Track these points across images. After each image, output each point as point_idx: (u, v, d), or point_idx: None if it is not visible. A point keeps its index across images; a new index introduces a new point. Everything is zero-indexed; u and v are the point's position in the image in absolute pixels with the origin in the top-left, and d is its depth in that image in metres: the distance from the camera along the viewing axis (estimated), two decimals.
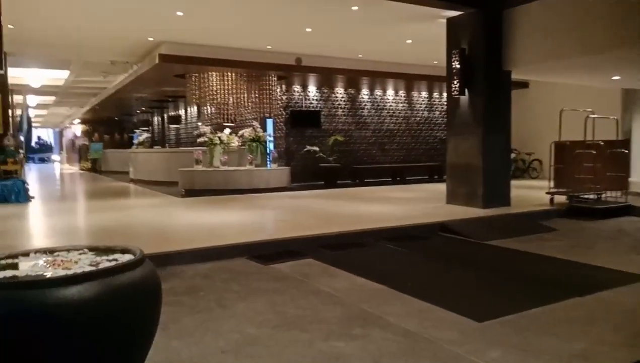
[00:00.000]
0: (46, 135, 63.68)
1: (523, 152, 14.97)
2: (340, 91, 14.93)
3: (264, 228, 6.63)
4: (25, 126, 11.20)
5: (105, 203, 10.44)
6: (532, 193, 10.70)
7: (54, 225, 7.02)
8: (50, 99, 20.33)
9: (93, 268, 2.17)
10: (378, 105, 15.70)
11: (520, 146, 14.82)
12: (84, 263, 2.26)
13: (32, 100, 20.66)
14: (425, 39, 10.36)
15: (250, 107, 13.63)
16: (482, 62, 8.17)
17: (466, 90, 8.37)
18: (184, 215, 8.20)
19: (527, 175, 14.92)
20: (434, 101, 16.59)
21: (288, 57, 11.88)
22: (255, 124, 12.86)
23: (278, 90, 13.91)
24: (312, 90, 14.41)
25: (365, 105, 15.44)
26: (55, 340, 1.96)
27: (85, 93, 18.36)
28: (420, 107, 16.52)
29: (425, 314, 3.60)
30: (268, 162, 13.13)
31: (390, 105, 15.94)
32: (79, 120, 28.07)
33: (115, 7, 8.11)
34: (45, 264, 2.25)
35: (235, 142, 12.92)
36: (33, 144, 68.63)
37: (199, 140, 12.49)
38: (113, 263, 2.27)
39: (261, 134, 12.57)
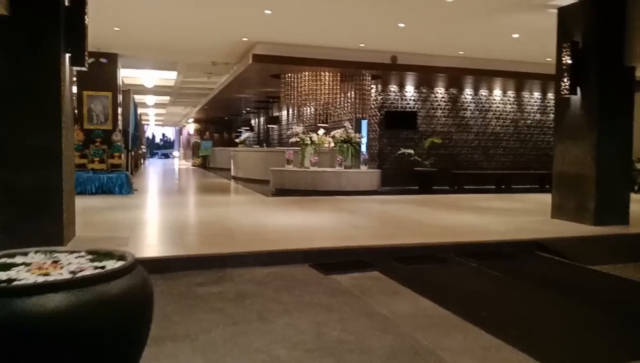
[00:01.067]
0: (171, 133, 69.09)
1: None
2: (440, 91, 14.09)
3: (337, 234, 6.25)
4: (132, 123, 11.91)
5: (196, 198, 10.76)
6: None
7: (134, 219, 7.24)
8: (165, 98, 21.77)
9: (70, 276, 1.95)
10: (483, 106, 14.58)
11: None
12: (67, 269, 2.05)
13: (150, 99, 22.32)
14: (535, 33, 9.30)
15: (344, 108, 13.36)
16: (598, 56, 7.06)
17: (578, 88, 7.30)
18: (263, 215, 8.09)
19: None
20: (548, 102, 15.04)
21: (383, 56, 11.39)
22: (347, 124, 12.55)
23: (373, 90, 13.46)
24: (410, 90, 13.75)
25: (468, 105, 14.42)
26: (19, 356, 1.76)
27: (194, 93, 19.36)
28: (532, 108, 15.07)
29: (491, 353, 2.99)
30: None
31: (497, 107, 14.73)
32: (192, 119, 29.94)
33: (207, 7, 8.23)
34: (25, 268, 2.07)
35: (327, 142, 12.75)
36: (157, 140, 75.12)
37: (291, 140, 12.47)
38: (97, 271, 2.03)
39: (352, 135, 12.22)
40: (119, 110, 11.81)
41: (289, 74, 12.17)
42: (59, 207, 4.95)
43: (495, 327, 3.40)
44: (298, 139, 12.27)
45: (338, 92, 12.46)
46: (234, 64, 12.58)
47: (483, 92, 14.52)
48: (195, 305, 3.82)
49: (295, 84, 12.21)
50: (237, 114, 23.32)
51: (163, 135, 75.03)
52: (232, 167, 17.23)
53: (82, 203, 8.98)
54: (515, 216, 8.20)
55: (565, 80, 7.37)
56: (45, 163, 4.89)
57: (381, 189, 12.30)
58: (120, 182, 10.68)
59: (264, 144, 21.48)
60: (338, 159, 11.94)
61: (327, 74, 12.11)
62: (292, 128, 12.64)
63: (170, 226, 6.76)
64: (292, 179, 11.68)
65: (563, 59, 7.43)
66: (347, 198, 10.42)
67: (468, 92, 14.39)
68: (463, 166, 14.29)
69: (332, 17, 8.83)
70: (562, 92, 7.46)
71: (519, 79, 13.38)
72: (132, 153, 21.34)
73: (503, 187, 14.00)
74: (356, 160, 12.30)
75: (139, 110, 26.23)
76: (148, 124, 41.58)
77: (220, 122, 27.38)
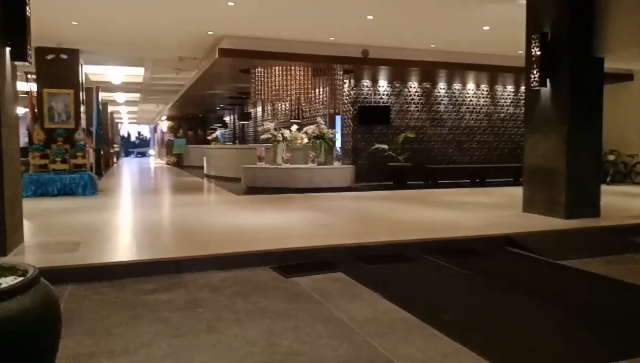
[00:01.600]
0: (147, 131, 68.01)
1: (624, 154, 13.07)
2: (413, 85, 13.95)
3: (304, 234, 6.02)
4: (96, 121, 11.48)
5: (162, 199, 10.43)
6: (631, 202, 9.16)
7: (92, 221, 6.89)
8: (135, 96, 21.22)
9: None
10: (456, 100, 14.49)
11: (621, 147, 12.98)
12: None
13: (120, 97, 21.74)
14: (506, 25, 9.18)
15: (317, 103, 13.12)
16: (568, 48, 6.94)
17: (548, 80, 7.18)
18: (230, 215, 7.82)
19: (629, 180, 13.01)
20: (521, 96, 15.00)
21: (354, 50, 11.16)
22: (320, 120, 12.32)
23: (346, 85, 13.25)
24: (383, 84, 13.58)
25: (441, 100, 14.32)
26: None
27: (165, 90, 18.88)
28: (505, 102, 15.04)
29: (450, 360, 2.80)
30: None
31: (471, 100, 14.66)
32: (165, 117, 29.34)
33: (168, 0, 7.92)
34: None
35: (301, 139, 12.50)
36: (133, 139, 73.87)
37: (262, 137, 12.18)
38: None
39: (325, 130, 11.99)
40: (82, 108, 11.36)
41: (259, 69, 11.87)
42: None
43: (458, 330, 3.22)
44: (270, 136, 12.00)
45: (310, 87, 12.20)
46: (201, 59, 12.23)
47: (456, 85, 14.43)
48: (140, 315, 3.55)
49: (265, 79, 11.91)
50: (211, 110, 22.89)
51: (139, 133, 73.84)
52: (204, 165, 16.89)
53: (41, 205, 8.65)
54: (487, 211, 8.09)
55: (534, 72, 7.26)
56: None
57: (355, 185, 12.12)
58: (84, 183, 10.29)
59: (237, 141, 21.10)
60: (311, 155, 11.70)
61: (297, 68, 11.84)
62: (263, 124, 12.34)
63: (128, 229, 6.45)
64: (263, 177, 11.41)
65: (532, 50, 7.31)
66: (320, 196, 10.19)
67: (441, 86, 14.28)
68: (437, 161, 14.19)
69: (299, 10, 8.58)
70: (532, 84, 7.34)
71: (491, 72, 13.30)
72: (102, 152, 20.81)
73: (477, 181, 13.97)
74: (329, 157, 12.07)
75: (110, 108, 25.59)
76: (121, 122, 40.68)
77: (194, 119, 26.89)
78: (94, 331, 3.25)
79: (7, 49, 4.86)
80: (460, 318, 3.55)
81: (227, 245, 5.29)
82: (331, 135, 12.21)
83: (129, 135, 72.95)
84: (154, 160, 34.77)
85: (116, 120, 35.97)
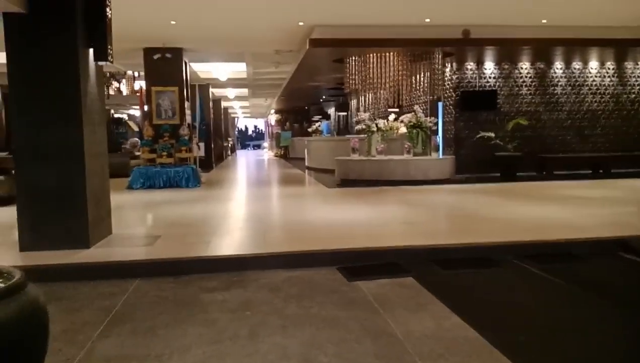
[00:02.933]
0: (262, 124, 71.13)
1: None
2: (524, 66, 12.69)
3: (379, 232, 5.63)
4: (199, 116, 12.00)
5: (255, 191, 10.59)
6: None
7: (182, 214, 7.12)
8: (244, 91, 22.02)
9: None
10: (576, 81, 12.92)
11: None
12: None
13: (230, 92, 22.72)
14: None
15: (417, 90, 12.47)
16: None
17: None
18: (314, 209, 7.67)
19: None
20: None
21: (453, 31, 10.33)
22: (417, 108, 11.69)
23: (447, 69, 12.43)
24: (489, 66, 12.52)
25: (558, 81, 12.86)
26: None
27: (269, 84, 19.30)
28: (637, 81, 13.11)
29: None
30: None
31: (594, 80, 12.98)
32: (274, 110, 30.21)
33: None
34: None
35: (398, 129, 12.01)
36: (250, 132, 77.64)
37: (356, 127, 11.89)
38: None
39: (422, 119, 11.35)
40: (186, 104, 11.94)
41: (353, 58, 11.54)
42: (81, 207, 4.87)
43: (530, 357, 2.68)
44: (364, 126, 11.67)
45: (407, 73, 11.61)
46: (297, 51, 12.20)
47: (576, 65, 12.86)
48: (191, 315, 3.48)
49: (360, 68, 11.56)
50: (315, 102, 23.07)
51: (255, 127, 77.42)
52: (306, 157, 17.03)
53: (145, 197, 9.24)
54: (605, 207, 7.04)
55: None
56: (64, 161, 4.83)
57: (455, 177, 11.35)
58: (187, 176, 10.82)
59: (334, 133, 20.99)
60: (406, 145, 11.16)
61: (393, 54, 11.31)
62: (358, 115, 12.03)
63: (210, 222, 6.54)
64: (356, 169, 11.12)
65: None
66: (414, 189, 9.66)
67: (558, 66, 12.82)
68: (553, 149, 12.80)
69: None
70: None
71: (618, 47, 11.62)
72: (212, 145, 21.96)
73: (601, 172, 12.40)
74: (428, 147, 11.42)
75: (224, 104, 26.94)
76: (237, 116, 42.80)
77: (300, 112, 27.36)
78: (139, 331, 3.22)
79: (91, 50, 5.09)
80: (538, 341, 2.99)
81: (298, 243, 5.12)
82: (430, 124, 11.53)
83: (246, 128, 76.89)
84: (266, 153, 36.15)
85: (231, 115, 37.97)
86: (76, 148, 4.84)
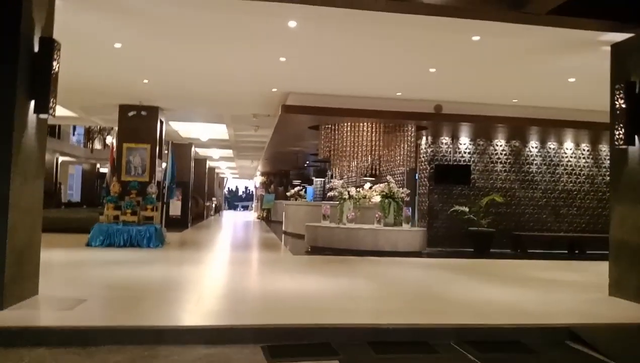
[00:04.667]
0: (252, 185, 71.37)
1: None
2: (500, 143, 12.79)
3: (322, 306, 5.30)
4: (169, 176, 11.87)
5: (216, 255, 10.28)
6: None
7: (122, 276, 6.78)
8: (229, 152, 22.11)
9: None
10: (551, 161, 13.00)
11: None
12: None
13: (215, 153, 22.79)
14: (596, 76, 8.00)
15: (393, 160, 12.45)
16: None
17: (636, 138, 5.96)
18: (266, 279, 7.37)
19: None
20: None
21: (425, 105, 10.49)
22: (390, 178, 11.64)
23: (423, 141, 12.51)
24: (465, 141, 12.61)
25: (533, 159, 12.93)
26: None
27: (251, 147, 19.42)
28: None
29: None
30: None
31: (569, 161, 13.07)
32: (259, 172, 30.30)
33: (226, 59, 8.00)
34: None
35: (371, 197, 11.89)
36: (240, 193, 77.80)
37: (328, 194, 11.76)
38: None
39: (395, 189, 11.25)
40: (158, 161, 11.83)
41: (327, 125, 11.61)
42: None
43: None
44: (336, 194, 11.54)
45: (382, 143, 11.64)
46: (274, 116, 12.30)
47: (551, 144, 12.99)
48: None
49: (334, 136, 11.59)
50: (299, 167, 23.18)
51: (246, 187, 77.60)
52: (283, 221, 16.80)
53: (96, 256, 8.87)
54: (567, 292, 6.77)
55: (619, 128, 6.08)
56: None
57: (427, 251, 11.11)
58: (149, 235, 10.49)
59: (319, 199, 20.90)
60: (377, 215, 10.98)
61: (367, 124, 11.39)
62: (331, 181, 11.95)
63: (147, 287, 6.17)
64: (325, 236, 10.88)
65: (617, 103, 6.17)
66: (380, 260, 9.39)
67: (533, 145, 12.94)
68: (528, 227, 12.66)
69: (355, 65, 8.20)
70: (617, 143, 6.15)
71: (593, 130, 11.77)
72: (197, 205, 21.69)
73: (576, 252, 12.19)
74: (399, 218, 11.25)
75: (210, 164, 27.00)
76: (226, 177, 42.89)
77: (284, 175, 27.48)
78: None
79: (32, 102, 4.98)
80: None
81: (228, 316, 4.80)
82: (402, 195, 11.43)
83: (237, 189, 77.03)
84: (251, 214, 35.87)
85: (220, 175, 38.07)
86: (1, 200, 4.61)
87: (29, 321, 4.25)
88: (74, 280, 6.43)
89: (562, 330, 4.75)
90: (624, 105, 6.03)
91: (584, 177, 13.09)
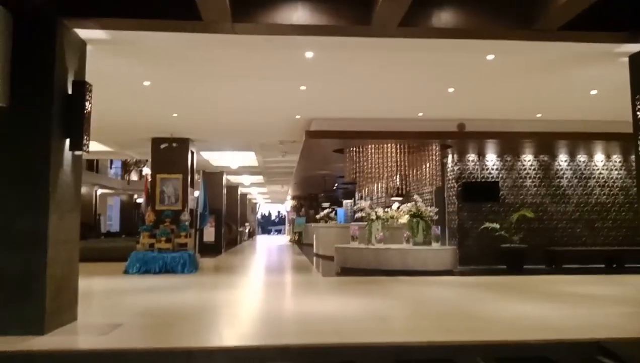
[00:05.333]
0: (284, 210, 71.83)
1: None
2: (528, 158, 12.66)
3: (347, 327, 5.37)
4: (202, 203, 12.24)
5: (247, 279, 10.45)
6: None
7: (158, 303, 7.03)
8: (259, 178, 22.52)
9: None
10: (582, 174, 12.77)
11: None
12: None
13: (246, 180, 23.24)
14: (617, 88, 7.93)
15: (420, 180, 12.49)
16: None
17: None
18: (296, 301, 7.49)
19: None
20: None
21: (449, 124, 10.56)
22: (416, 197, 11.65)
23: (449, 159, 12.52)
24: (491, 158, 12.54)
25: (564, 173, 12.73)
26: None
27: (281, 172, 19.75)
28: None
29: None
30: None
31: (601, 173, 12.80)
32: (290, 197, 30.66)
33: (253, 89, 8.34)
34: None
35: (399, 218, 11.93)
36: (273, 218, 78.39)
37: (356, 215, 11.85)
38: None
39: (423, 208, 11.26)
40: (189, 190, 12.22)
41: (352, 148, 11.78)
42: (40, 293, 4.86)
43: None
44: (364, 214, 11.63)
45: (407, 164, 11.71)
46: (299, 142, 12.56)
47: (581, 157, 12.77)
48: None
49: (359, 158, 11.74)
50: (328, 190, 23.40)
51: (278, 212, 78.14)
52: (314, 244, 16.92)
53: (134, 283, 9.19)
54: (600, 306, 6.63)
55: None
56: (29, 248, 4.91)
57: (458, 269, 10.99)
58: (183, 261, 10.80)
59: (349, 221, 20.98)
60: (405, 234, 11.00)
61: (391, 145, 11.50)
62: (359, 203, 12.06)
63: (179, 312, 6.39)
64: (354, 257, 10.94)
65: (638, 113, 6.12)
66: (410, 280, 9.37)
67: (562, 158, 12.75)
68: (562, 242, 12.40)
69: (373, 89, 8.40)
70: None
71: (623, 141, 11.53)
72: (230, 231, 22.07)
73: (614, 266, 11.84)
74: (429, 236, 11.22)
75: (241, 190, 27.50)
76: (257, 203, 43.43)
77: (314, 199, 27.74)
78: None
79: (67, 140, 5.34)
80: None
81: (256, 337, 4.94)
82: (431, 214, 11.41)
83: (269, 214, 77.70)
84: (284, 238, 36.15)
85: (252, 201, 38.63)
86: (40, 235, 4.93)
87: (68, 345, 4.49)
88: (111, 307, 6.71)
89: (592, 345, 4.68)
90: None
91: (617, 189, 12.79)
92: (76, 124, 5.34)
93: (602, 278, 9.87)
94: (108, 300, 7.39)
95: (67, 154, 5.38)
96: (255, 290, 8.73)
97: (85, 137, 5.41)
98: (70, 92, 5.40)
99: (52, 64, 5.16)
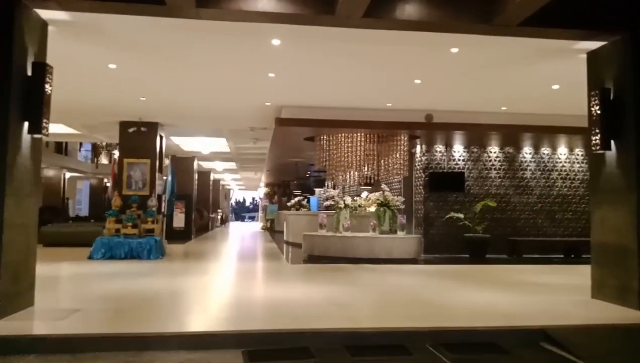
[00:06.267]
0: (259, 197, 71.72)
1: None
2: (494, 150, 12.94)
3: (305, 313, 5.46)
4: (169, 189, 12.16)
5: (213, 265, 10.46)
6: None
7: (118, 288, 7.01)
8: (232, 164, 22.40)
9: None
10: (545, 166, 13.13)
11: None
12: None
13: (219, 165, 23.09)
14: (577, 83, 8.15)
15: (389, 169, 12.65)
16: (635, 104, 5.90)
17: (612, 143, 6.13)
18: (258, 287, 7.57)
19: None
20: None
21: (417, 114, 10.71)
22: (384, 186, 11.83)
23: (417, 150, 12.70)
24: (458, 149, 12.77)
25: (527, 165, 13.06)
26: None
27: (253, 159, 19.70)
28: None
29: None
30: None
31: (563, 166, 13.19)
32: (263, 184, 30.61)
33: (220, 75, 8.29)
34: None
35: (367, 206, 12.08)
36: (248, 204, 78.14)
37: (325, 203, 11.95)
38: None
39: (390, 198, 11.43)
40: (158, 175, 12.12)
41: (323, 137, 11.84)
42: None
43: None
44: (332, 203, 11.75)
45: (375, 153, 11.85)
46: (270, 129, 12.56)
47: (545, 150, 13.12)
48: None
49: (329, 147, 11.82)
50: (301, 178, 23.44)
51: (253, 199, 77.95)
52: (284, 231, 17.00)
53: (98, 268, 9.10)
54: (551, 294, 6.91)
55: (596, 133, 6.26)
56: None
57: (423, 257, 11.26)
58: (149, 247, 10.73)
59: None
60: (372, 223, 11.16)
61: (360, 135, 11.61)
62: (327, 191, 12.16)
63: (140, 297, 6.39)
64: (322, 245, 11.07)
65: (592, 109, 6.35)
66: (375, 268, 9.55)
67: (527, 151, 13.07)
68: (524, 232, 12.77)
69: (341, 78, 8.46)
70: (594, 148, 6.32)
71: (586, 135, 11.80)
72: (202, 217, 21.94)
73: (572, 256, 12.25)
74: (395, 226, 11.41)
75: (214, 176, 27.33)
76: (231, 189, 43.23)
77: (287, 186, 27.74)
78: None
79: (26, 124, 5.25)
80: None
81: (214, 322, 5.00)
82: (397, 203, 11.60)
83: (244, 200, 77.46)
84: (257, 225, 36.13)
85: (225, 187, 38.42)
86: None
87: (21, 330, 4.47)
88: (70, 292, 6.68)
89: (537, 332, 4.90)
90: (599, 111, 6.21)
91: (578, 181, 13.20)
92: (35, 107, 5.26)
93: (560, 268, 10.22)
94: (69, 285, 7.34)
95: (26, 137, 5.29)
96: (220, 277, 8.77)
97: (44, 120, 5.33)
98: (29, 73, 5.30)
99: (10, 44, 5.05)
